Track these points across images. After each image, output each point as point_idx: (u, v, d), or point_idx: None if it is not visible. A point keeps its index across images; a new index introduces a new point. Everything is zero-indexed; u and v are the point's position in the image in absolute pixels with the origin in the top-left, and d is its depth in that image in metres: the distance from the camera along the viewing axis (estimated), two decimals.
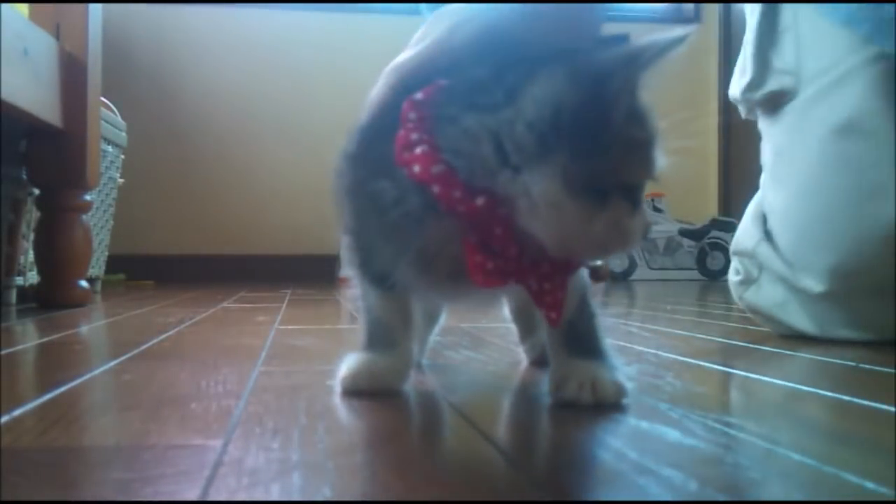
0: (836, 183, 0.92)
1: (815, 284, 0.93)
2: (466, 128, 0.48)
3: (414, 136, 0.49)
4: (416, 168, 0.48)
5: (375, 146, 0.53)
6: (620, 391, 0.53)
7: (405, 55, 0.58)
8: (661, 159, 0.48)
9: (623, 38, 0.51)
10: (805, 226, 0.95)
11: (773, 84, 0.99)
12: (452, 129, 0.48)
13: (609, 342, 0.58)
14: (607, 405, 0.53)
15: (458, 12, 0.56)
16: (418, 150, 0.49)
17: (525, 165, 0.46)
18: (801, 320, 0.96)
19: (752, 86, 1.02)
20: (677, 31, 0.46)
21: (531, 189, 0.46)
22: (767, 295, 1.00)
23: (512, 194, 0.47)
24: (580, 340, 0.55)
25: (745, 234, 1.04)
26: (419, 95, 0.51)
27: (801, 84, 0.96)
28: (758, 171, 1.05)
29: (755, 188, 1.06)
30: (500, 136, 0.47)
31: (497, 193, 0.47)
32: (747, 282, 1.03)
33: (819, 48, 0.95)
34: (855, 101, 0.90)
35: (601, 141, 0.46)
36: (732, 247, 1.07)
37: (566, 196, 0.45)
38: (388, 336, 0.58)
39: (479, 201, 0.47)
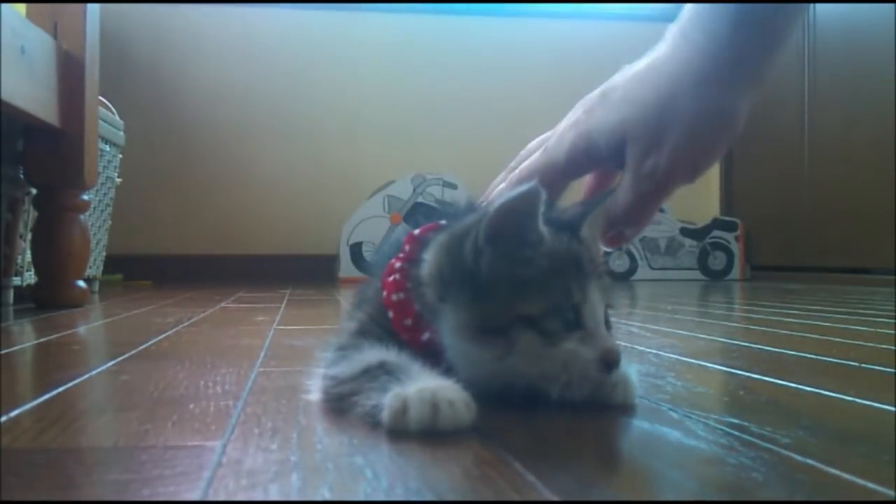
0: None
1: None
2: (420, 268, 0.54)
3: (397, 265, 0.57)
4: (384, 293, 0.56)
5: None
6: (637, 391, 0.55)
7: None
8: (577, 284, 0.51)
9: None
10: None
11: None
12: (418, 266, 0.55)
13: None
14: (629, 405, 0.53)
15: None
16: (390, 279, 0.56)
17: (433, 317, 0.53)
18: None
19: None
20: (523, 187, 0.49)
21: (443, 338, 0.52)
22: None
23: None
24: None
25: None
26: (417, 231, 0.58)
27: None
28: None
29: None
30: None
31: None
32: None
33: None
34: None
35: (478, 288, 0.51)
36: None
37: (465, 340, 0.51)
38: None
39: (425, 337, 0.54)
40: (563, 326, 0.50)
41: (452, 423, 0.45)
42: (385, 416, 0.46)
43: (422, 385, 0.46)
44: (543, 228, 0.52)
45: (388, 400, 0.46)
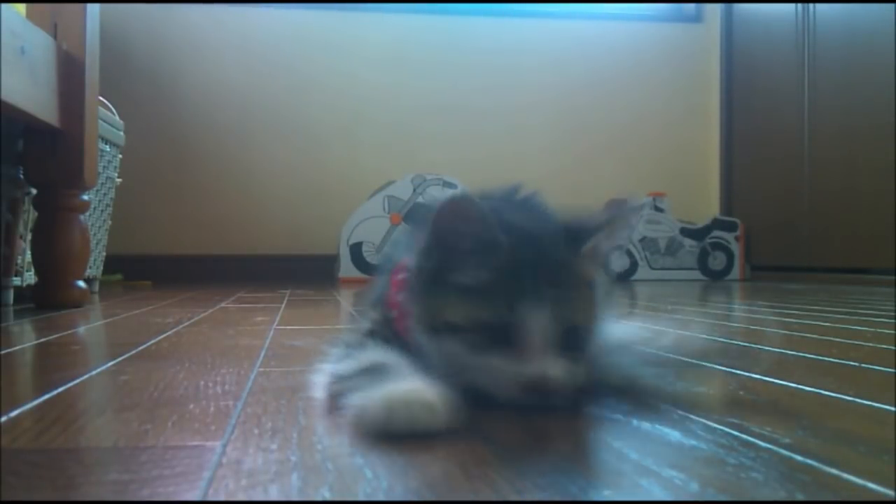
0: None
1: None
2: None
3: (407, 263, 0.57)
4: (392, 290, 0.57)
5: None
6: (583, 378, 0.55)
7: None
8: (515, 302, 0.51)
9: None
10: None
11: None
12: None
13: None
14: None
15: None
16: (399, 276, 0.57)
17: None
18: None
19: None
20: (449, 194, 0.52)
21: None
22: None
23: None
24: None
25: None
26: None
27: None
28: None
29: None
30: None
31: None
32: None
33: None
34: None
35: (424, 288, 0.53)
36: None
37: (420, 332, 0.53)
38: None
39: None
40: (490, 341, 0.51)
41: (407, 426, 0.44)
42: (350, 415, 0.47)
43: (390, 388, 0.47)
44: (501, 238, 0.52)
45: (356, 400, 0.48)
